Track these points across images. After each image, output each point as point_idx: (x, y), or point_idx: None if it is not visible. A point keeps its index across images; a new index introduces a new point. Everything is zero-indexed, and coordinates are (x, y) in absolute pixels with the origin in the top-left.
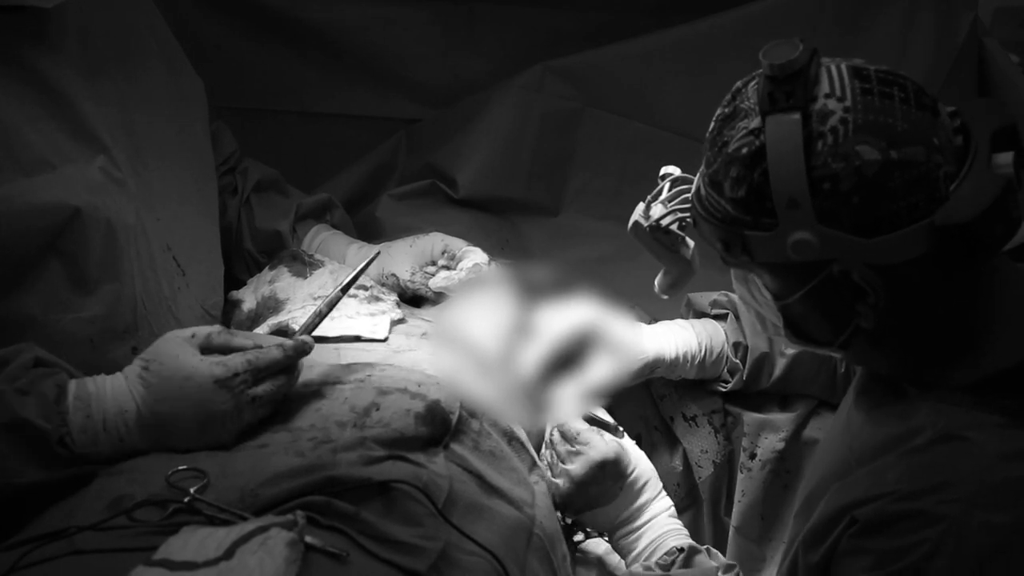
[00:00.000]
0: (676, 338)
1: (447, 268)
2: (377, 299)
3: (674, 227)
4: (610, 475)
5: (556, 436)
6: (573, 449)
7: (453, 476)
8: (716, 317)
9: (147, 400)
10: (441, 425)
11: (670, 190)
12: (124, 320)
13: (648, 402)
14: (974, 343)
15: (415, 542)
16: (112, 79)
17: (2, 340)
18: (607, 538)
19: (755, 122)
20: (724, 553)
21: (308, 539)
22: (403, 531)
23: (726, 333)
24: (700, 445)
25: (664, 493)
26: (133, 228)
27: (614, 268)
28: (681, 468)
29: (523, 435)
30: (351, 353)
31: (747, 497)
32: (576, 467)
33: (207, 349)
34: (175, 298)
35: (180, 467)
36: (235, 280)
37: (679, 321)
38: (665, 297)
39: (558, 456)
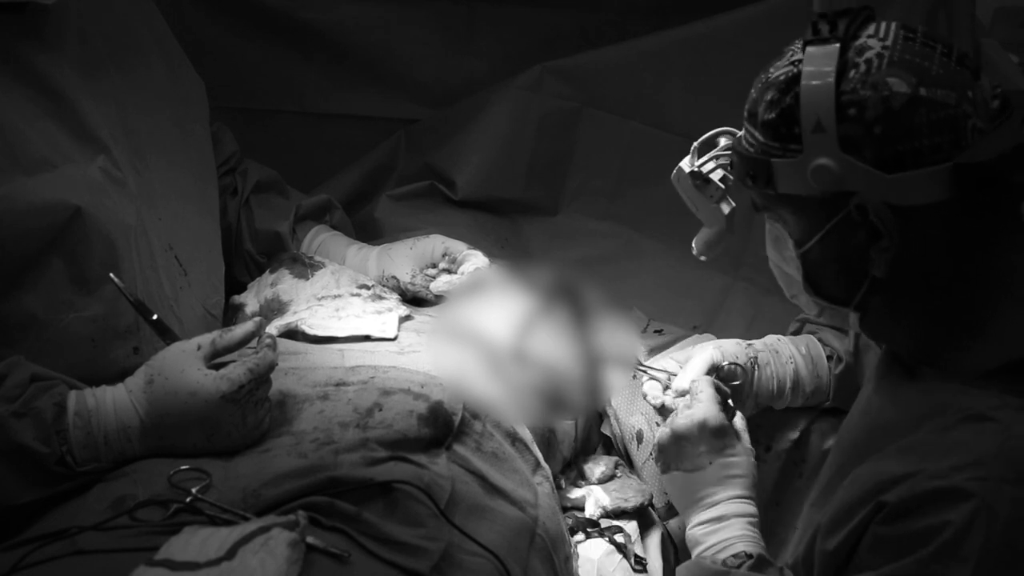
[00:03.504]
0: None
1: (448, 271)
2: (380, 297)
3: (715, 177)
4: (706, 439)
5: (674, 390)
6: (687, 403)
7: (455, 477)
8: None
9: (151, 415)
10: (444, 426)
11: (723, 146)
12: (125, 319)
13: None
14: (992, 324)
15: (417, 543)
16: (112, 79)
17: (3, 340)
18: (682, 528)
19: (798, 54)
20: None
21: (310, 539)
22: (405, 532)
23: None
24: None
25: (753, 503)
26: (134, 228)
27: (613, 268)
28: None
29: (527, 436)
30: (356, 355)
31: (764, 491)
32: (680, 419)
33: (213, 354)
34: (177, 297)
35: (182, 467)
36: (235, 281)
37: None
38: (703, 259)
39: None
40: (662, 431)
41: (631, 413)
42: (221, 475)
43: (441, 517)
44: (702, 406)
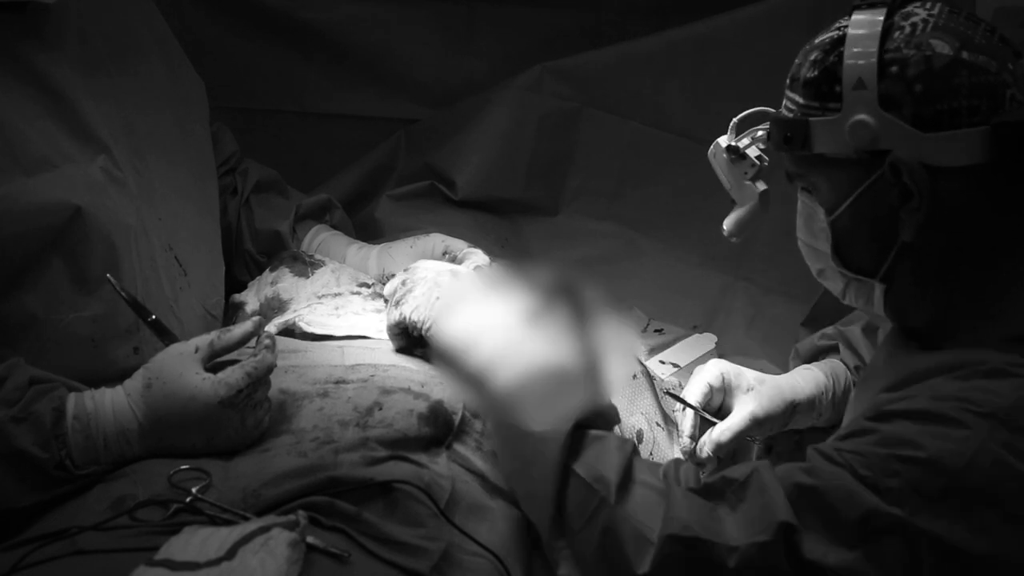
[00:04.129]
0: (807, 377)
1: None
2: (381, 296)
3: (751, 153)
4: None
5: (711, 446)
6: None
7: (455, 476)
8: (827, 350)
9: (150, 418)
10: (444, 425)
11: (760, 125)
12: (125, 319)
13: (651, 397)
14: (1018, 302)
15: (417, 543)
16: (112, 79)
17: (3, 340)
18: None
19: (844, 21)
20: None
21: (310, 539)
22: (405, 532)
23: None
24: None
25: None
26: (134, 228)
27: (613, 268)
28: None
29: None
30: (356, 352)
31: None
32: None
33: (211, 356)
34: (176, 298)
35: (182, 467)
36: (235, 281)
37: (799, 369)
38: (734, 240)
39: None
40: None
41: (631, 413)
42: (221, 475)
43: (441, 517)
44: None
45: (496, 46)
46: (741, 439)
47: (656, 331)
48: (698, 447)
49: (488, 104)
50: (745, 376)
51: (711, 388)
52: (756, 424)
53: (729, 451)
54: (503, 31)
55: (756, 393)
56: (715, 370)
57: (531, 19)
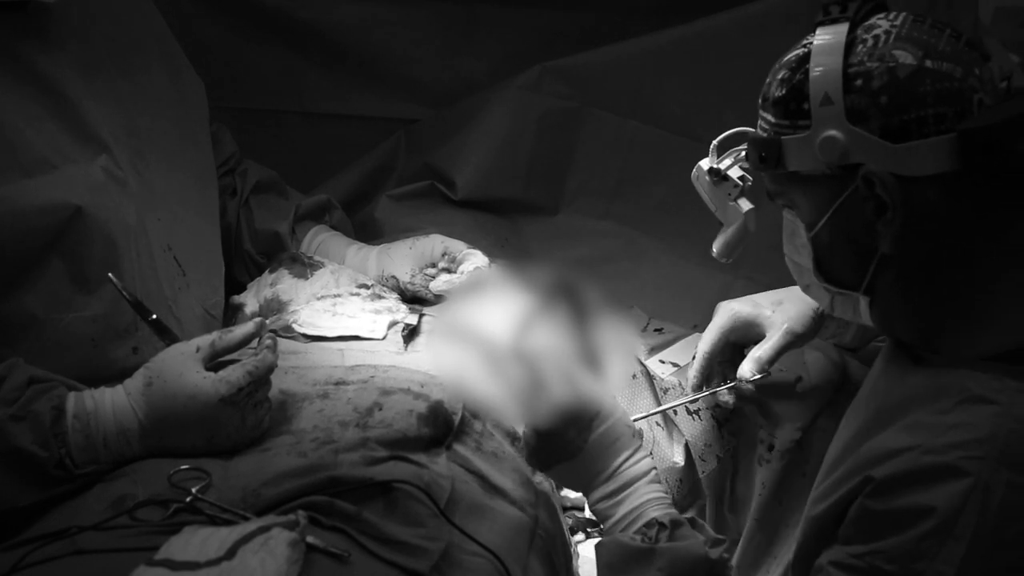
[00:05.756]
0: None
1: (447, 270)
2: (380, 297)
3: (733, 174)
4: (571, 425)
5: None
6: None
7: (455, 476)
8: None
9: (151, 417)
10: (444, 426)
11: (741, 146)
12: (125, 319)
13: (650, 395)
14: (994, 305)
15: (417, 542)
16: (112, 79)
17: (3, 340)
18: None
19: (810, 38)
20: (736, 549)
21: (310, 539)
22: (405, 531)
23: None
24: (704, 438)
25: (644, 455)
26: (133, 228)
27: (613, 268)
28: (683, 463)
29: None
30: (355, 354)
31: (767, 489)
32: (539, 417)
33: (212, 356)
34: (175, 298)
35: (182, 466)
36: (234, 281)
37: None
38: (724, 261)
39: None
40: (524, 432)
41: (631, 413)
42: (221, 474)
43: (441, 517)
44: (553, 390)
45: (496, 46)
46: (783, 354)
47: (656, 330)
48: (739, 373)
49: (488, 104)
50: (761, 304)
51: (725, 338)
52: (796, 338)
53: (770, 367)
54: (503, 31)
55: (783, 310)
56: (726, 316)
57: (531, 19)
